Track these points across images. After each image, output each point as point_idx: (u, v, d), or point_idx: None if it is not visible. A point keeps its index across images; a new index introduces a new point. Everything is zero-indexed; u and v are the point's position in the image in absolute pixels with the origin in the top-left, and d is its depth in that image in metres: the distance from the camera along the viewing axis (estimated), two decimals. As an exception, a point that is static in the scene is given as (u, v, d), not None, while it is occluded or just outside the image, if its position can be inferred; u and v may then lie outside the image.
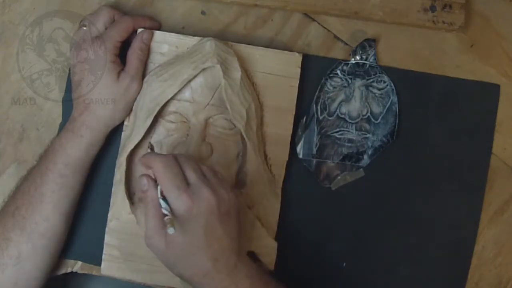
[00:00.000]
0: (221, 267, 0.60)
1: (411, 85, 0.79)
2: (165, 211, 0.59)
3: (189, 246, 0.59)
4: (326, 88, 0.77)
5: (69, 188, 0.70)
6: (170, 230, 0.57)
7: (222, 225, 0.60)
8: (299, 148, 0.77)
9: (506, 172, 0.80)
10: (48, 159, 0.69)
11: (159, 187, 0.61)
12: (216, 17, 0.78)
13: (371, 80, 0.78)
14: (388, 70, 0.78)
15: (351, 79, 0.77)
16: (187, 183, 0.60)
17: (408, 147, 0.78)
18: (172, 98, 0.70)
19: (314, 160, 0.77)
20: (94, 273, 0.76)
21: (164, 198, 0.60)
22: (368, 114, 0.78)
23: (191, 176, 0.61)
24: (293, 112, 0.74)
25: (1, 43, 0.76)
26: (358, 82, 0.78)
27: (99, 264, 0.73)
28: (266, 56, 0.73)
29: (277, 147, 0.75)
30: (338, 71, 0.77)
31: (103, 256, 0.72)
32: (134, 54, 0.71)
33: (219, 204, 0.60)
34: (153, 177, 0.62)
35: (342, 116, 0.77)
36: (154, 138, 0.72)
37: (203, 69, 0.69)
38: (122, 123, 0.73)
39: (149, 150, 0.70)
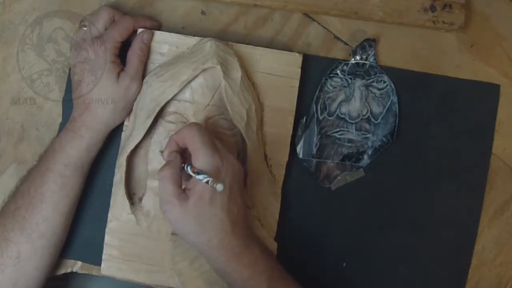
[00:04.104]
0: (238, 231, 0.63)
1: (411, 85, 0.79)
2: (199, 176, 0.60)
3: (212, 207, 0.61)
4: (326, 88, 0.77)
5: (69, 188, 0.70)
6: (219, 187, 0.58)
7: (240, 193, 0.64)
8: (299, 148, 0.77)
9: (506, 172, 0.80)
10: (48, 159, 0.69)
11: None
12: (216, 17, 0.78)
13: (371, 80, 0.78)
14: (388, 70, 0.78)
15: (351, 79, 0.77)
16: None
17: (408, 147, 0.78)
18: (172, 99, 0.70)
19: (314, 160, 0.77)
20: (94, 273, 0.76)
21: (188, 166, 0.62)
22: (368, 114, 0.78)
23: (218, 143, 0.64)
24: (293, 112, 0.74)
25: (1, 43, 0.76)
26: (358, 82, 0.78)
27: (99, 264, 0.73)
28: (266, 56, 0.73)
29: (277, 147, 0.75)
30: (338, 71, 0.77)
31: (103, 256, 0.72)
32: (134, 55, 0.71)
33: (240, 173, 0.64)
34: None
35: (342, 116, 0.77)
36: (154, 139, 0.72)
37: (203, 70, 0.69)
38: (122, 123, 0.73)
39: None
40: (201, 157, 0.62)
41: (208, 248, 0.63)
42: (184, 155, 0.65)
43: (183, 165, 0.63)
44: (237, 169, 0.64)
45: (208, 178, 0.59)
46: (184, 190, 0.62)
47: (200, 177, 0.60)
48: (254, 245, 0.64)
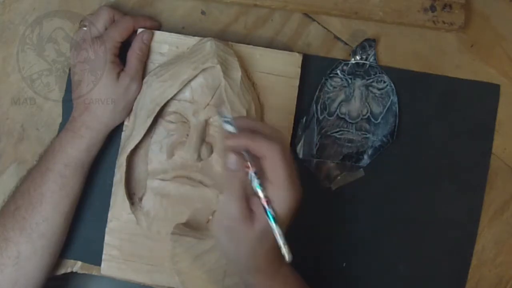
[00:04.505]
0: (275, 253, 0.58)
1: (411, 85, 0.79)
2: (271, 218, 0.56)
3: (270, 239, 0.57)
4: (326, 88, 0.77)
5: (69, 188, 0.70)
6: (289, 258, 0.56)
7: None
8: (299, 148, 0.77)
9: (506, 172, 0.80)
10: (48, 159, 0.69)
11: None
12: (216, 17, 0.78)
13: (371, 80, 0.78)
14: (388, 70, 0.78)
15: (351, 79, 0.77)
16: None
17: (408, 147, 0.78)
18: (172, 98, 0.70)
19: (314, 160, 0.77)
20: (94, 273, 0.76)
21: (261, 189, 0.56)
22: (368, 114, 0.78)
23: (294, 171, 0.58)
24: (293, 112, 0.74)
25: (1, 43, 0.76)
26: (358, 82, 0.78)
27: (99, 264, 0.73)
28: (266, 56, 0.73)
29: (277, 147, 0.74)
30: (338, 71, 0.77)
31: (103, 256, 0.72)
32: (133, 55, 0.71)
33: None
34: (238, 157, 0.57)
35: (342, 116, 0.77)
36: (154, 138, 0.72)
37: (203, 69, 0.69)
38: (122, 123, 0.73)
39: None
40: (281, 195, 0.56)
41: (247, 268, 0.60)
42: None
43: (253, 175, 0.57)
44: (301, 195, 0.58)
45: (283, 242, 0.56)
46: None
47: (272, 221, 0.56)
48: (284, 265, 0.61)
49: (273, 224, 0.56)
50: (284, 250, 0.56)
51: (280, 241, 0.56)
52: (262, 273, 0.60)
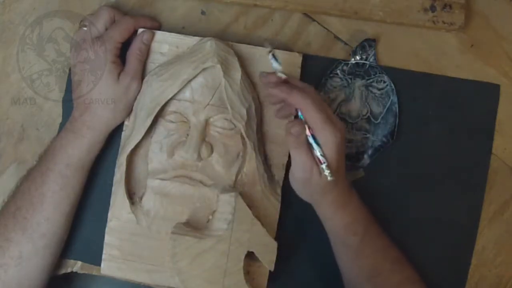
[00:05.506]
0: (346, 187, 0.71)
1: (411, 85, 0.79)
2: (321, 158, 0.65)
3: (336, 172, 0.67)
4: (326, 88, 0.77)
5: (69, 188, 0.70)
6: (330, 177, 0.65)
7: (344, 149, 0.68)
8: (299, 148, 0.76)
9: (506, 172, 0.80)
10: (49, 159, 0.69)
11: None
12: (216, 17, 0.78)
13: (371, 80, 0.78)
14: (388, 70, 0.78)
15: (351, 79, 0.77)
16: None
17: (408, 147, 0.78)
18: (172, 98, 0.70)
19: (314, 160, 0.77)
20: (94, 273, 0.76)
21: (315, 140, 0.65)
22: (368, 114, 0.78)
23: (327, 109, 0.67)
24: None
25: (1, 43, 0.76)
26: (358, 82, 0.78)
27: (99, 264, 0.73)
28: (266, 56, 0.73)
29: (277, 147, 0.75)
30: (338, 71, 0.77)
31: (103, 256, 0.72)
32: (133, 55, 0.71)
33: (345, 130, 0.68)
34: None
35: (342, 116, 0.77)
36: (154, 138, 0.72)
37: (204, 69, 0.69)
38: (122, 123, 0.73)
39: None
40: (323, 137, 0.65)
41: (321, 202, 0.70)
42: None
43: (309, 136, 0.65)
44: (343, 129, 0.67)
45: (326, 169, 0.65)
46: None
47: (323, 164, 0.65)
48: (354, 197, 0.71)
49: (315, 145, 0.65)
50: (326, 173, 0.65)
51: (323, 165, 0.66)
52: (334, 204, 0.69)
